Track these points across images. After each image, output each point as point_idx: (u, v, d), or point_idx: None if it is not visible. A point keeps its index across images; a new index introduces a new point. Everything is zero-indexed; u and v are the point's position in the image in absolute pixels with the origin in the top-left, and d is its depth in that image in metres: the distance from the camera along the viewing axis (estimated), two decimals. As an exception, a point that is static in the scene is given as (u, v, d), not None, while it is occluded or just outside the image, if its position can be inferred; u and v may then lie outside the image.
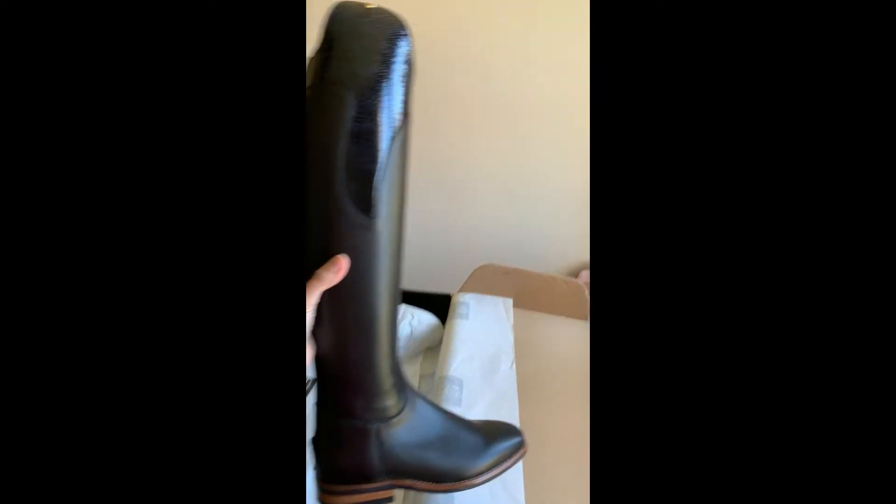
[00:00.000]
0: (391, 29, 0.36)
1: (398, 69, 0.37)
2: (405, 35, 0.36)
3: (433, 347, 0.84)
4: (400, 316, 0.79)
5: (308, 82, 0.36)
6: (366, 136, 0.36)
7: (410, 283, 0.91)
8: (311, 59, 0.36)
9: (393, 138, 0.37)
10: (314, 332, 0.38)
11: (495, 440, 0.46)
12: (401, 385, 0.42)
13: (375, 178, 0.36)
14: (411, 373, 0.77)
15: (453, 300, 0.81)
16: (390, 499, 0.42)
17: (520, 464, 0.47)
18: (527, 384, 0.64)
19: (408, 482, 0.42)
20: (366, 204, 0.36)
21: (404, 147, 0.38)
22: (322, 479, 0.41)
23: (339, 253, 0.36)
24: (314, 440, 0.41)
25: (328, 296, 0.36)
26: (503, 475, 0.45)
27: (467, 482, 0.43)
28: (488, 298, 0.82)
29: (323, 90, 0.35)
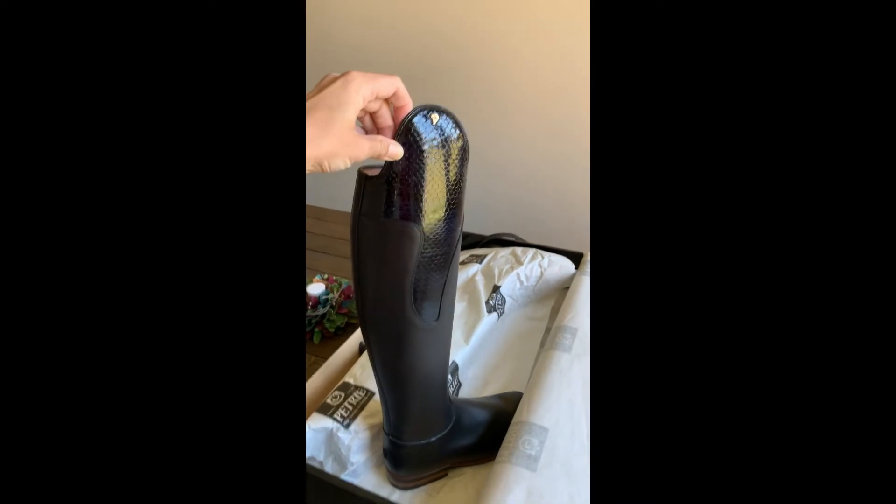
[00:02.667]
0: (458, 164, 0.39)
1: (459, 197, 0.41)
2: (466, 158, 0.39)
3: (567, 288, 0.91)
4: (529, 258, 0.88)
5: (369, 210, 0.39)
6: (434, 264, 0.42)
7: (544, 239, 0.97)
8: (372, 181, 0.38)
9: (454, 256, 0.43)
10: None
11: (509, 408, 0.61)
12: (448, 411, 0.55)
13: (442, 294, 0.44)
14: (540, 315, 0.87)
15: (583, 258, 0.85)
16: (445, 474, 0.59)
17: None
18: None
19: (462, 461, 0.59)
20: (433, 314, 0.45)
21: (457, 258, 0.44)
22: (390, 471, 0.58)
23: (408, 351, 0.45)
24: (385, 451, 0.57)
25: (393, 369, 0.47)
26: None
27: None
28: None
29: (390, 225, 0.39)
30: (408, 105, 0.37)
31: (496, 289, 0.84)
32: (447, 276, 0.43)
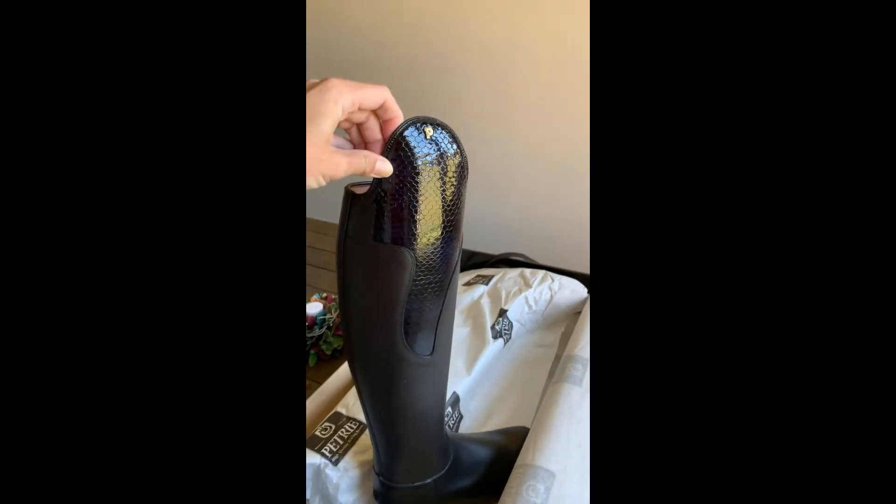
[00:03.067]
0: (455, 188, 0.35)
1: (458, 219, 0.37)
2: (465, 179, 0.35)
3: (580, 313, 0.86)
4: (538, 280, 0.83)
5: (356, 232, 0.35)
6: (428, 292, 0.38)
7: (555, 260, 0.92)
8: (360, 200, 0.35)
9: (451, 283, 0.39)
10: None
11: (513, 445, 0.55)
12: (445, 450, 0.50)
13: (437, 326, 0.40)
14: (549, 342, 0.82)
15: (593, 280, 0.80)
16: None
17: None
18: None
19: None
20: (427, 347, 0.40)
21: (455, 284, 0.40)
22: None
23: (400, 388, 0.40)
24: (375, 493, 0.51)
25: (383, 406, 0.42)
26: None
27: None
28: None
29: (379, 250, 0.35)
30: (397, 118, 0.33)
31: (503, 312, 0.79)
32: (443, 304, 0.39)
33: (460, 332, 0.76)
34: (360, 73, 1.28)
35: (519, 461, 0.53)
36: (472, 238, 1.03)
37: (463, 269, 0.98)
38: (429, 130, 0.33)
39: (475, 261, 0.97)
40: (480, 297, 0.82)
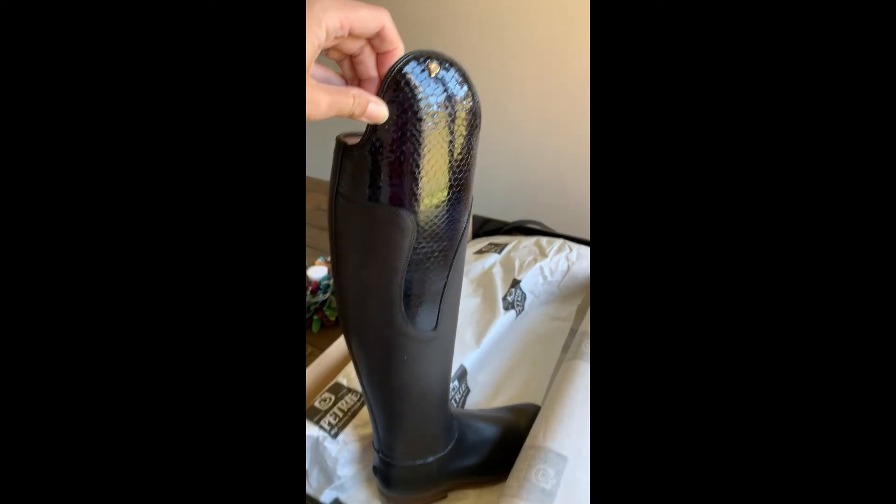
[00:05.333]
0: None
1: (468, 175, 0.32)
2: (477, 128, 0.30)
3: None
4: (555, 249, 0.78)
5: (349, 190, 0.31)
6: (432, 262, 0.33)
7: (573, 229, 0.86)
8: (352, 152, 0.30)
9: (457, 252, 0.34)
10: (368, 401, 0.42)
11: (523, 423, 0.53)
12: (449, 429, 0.46)
13: (442, 299, 0.35)
14: (564, 315, 0.78)
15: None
16: (445, 496, 0.50)
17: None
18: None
19: (464, 482, 0.50)
20: (430, 321, 0.36)
21: (463, 253, 0.35)
22: (381, 490, 0.50)
23: (399, 365, 0.37)
24: (374, 468, 0.48)
25: (381, 384, 0.39)
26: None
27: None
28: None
29: (375, 212, 0.30)
30: (397, 50, 0.27)
31: (516, 283, 0.74)
32: (448, 276, 0.34)
33: (469, 302, 0.72)
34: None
35: (528, 442, 0.50)
36: (485, 203, 0.97)
37: (475, 236, 0.93)
38: (434, 67, 0.27)
39: (488, 228, 0.92)
40: (492, 266, 0.78)
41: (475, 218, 0.92)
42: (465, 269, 0.77)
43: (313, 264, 0.85)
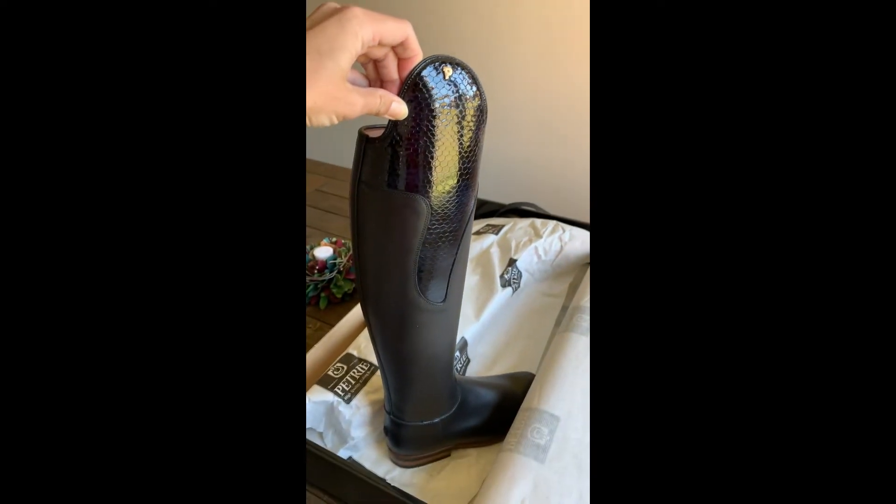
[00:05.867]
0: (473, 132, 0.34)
1: (474, 166, 0.36)
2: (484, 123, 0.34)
3: (588, 264, 0.86)
4: (549, 230, 0.83)
5: (370, 178, 0.34)
6: (442, 241, 0.38)
7: (566, 211, 0.90)
8: (374, 144, 0.34)
9: (465, 232, 0.39)
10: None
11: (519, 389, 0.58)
12: (453, 392, 0.51)
13: (451, 274, 0.40)
14: (557, 291, 0.83)
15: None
16: (448, 454, 0.56)
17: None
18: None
19: (466, 442, 0.56)
20: (440, 294, 0.41)
21: (469, 234, 0.39)
22: (391, 448, 0.55)
23: (412, 333, 0.41)
24: (385, 429, 0.54)
25: (395, 350, 0.43)
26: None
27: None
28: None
29: (394, 197, 0.34)
30: (416, 57, 0.31)
31: (512, 262, 0.79)
32: (457, 254, 0.39)
33: (470, 279, 0.77)
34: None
35: (525, 405, 0.55)
36: (483, 186, 1.01)
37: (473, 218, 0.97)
38: (448, 70, 0.31)
39: (485, 209, 0.96)
40: (490, 246, 0.82)
41: (473, 200, 0.96)
42: (465, 249, 0.82)
43: (318, 245, 0.89)
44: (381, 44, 0.29)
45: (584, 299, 0.68)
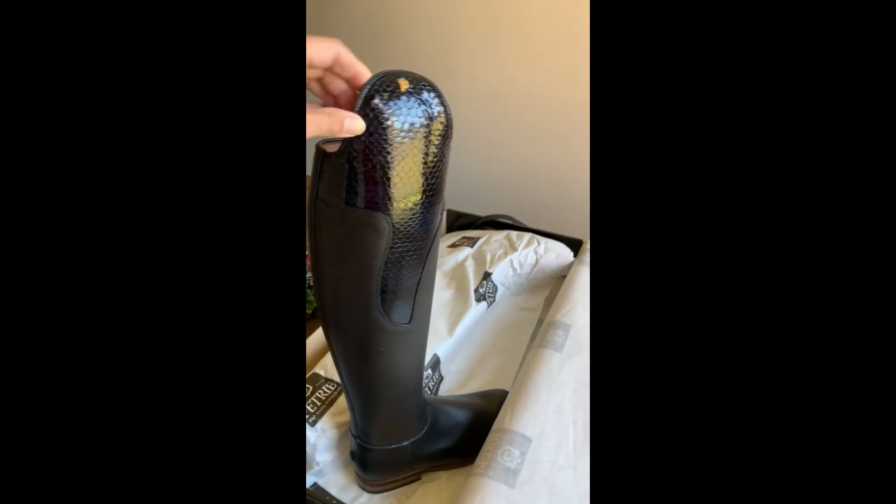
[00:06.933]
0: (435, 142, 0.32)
1: (439, 179, 0.34)
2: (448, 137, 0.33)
3: (565, 277, 0.86)
4: (524, 243, 0.82)
5: (328, 195, 0.33)
6: (406, 260, 0.36)
7: (543, 223, 0.90)
8: (331, 160, 0.32)
9: (430, 250, 0.37)
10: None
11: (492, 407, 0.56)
12: (422, 414, 0.50)
13: (416, 294, 0.38)
14: (532, 305, 0.82)
15: (583, 246, 0.78)
16: (418, 478, 0.54)
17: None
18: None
19: (437, 465, 0.54)
20: (405, 315, 0.39)
21: (436, 250, 0.38)
22: (358, 473, 0.53)
23: (376, 356, 0.39)
24: (352, 453, 0.51)
25: (359, 373, 0.41)
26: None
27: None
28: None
29: (352, 215, 0.33)
30: (361, 74, 0.29)
31: (487, 276, 0.78)
32: (422, 272, 0.37)
33: (443, 294, 0.75)
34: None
35: (496, 425, 0.53)
36: (459, 199, 1.00)
37: (449, 230, 0.95)
38: (403, 84, 0.30)
39: (461, 222, 0.95)
40: (465, 259, 0.81)
41: (449, 212, 0.95)
42: (439, 262, 0.80)
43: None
44: (311, 66, 0.27)
45: (559, 314, 0.67)
